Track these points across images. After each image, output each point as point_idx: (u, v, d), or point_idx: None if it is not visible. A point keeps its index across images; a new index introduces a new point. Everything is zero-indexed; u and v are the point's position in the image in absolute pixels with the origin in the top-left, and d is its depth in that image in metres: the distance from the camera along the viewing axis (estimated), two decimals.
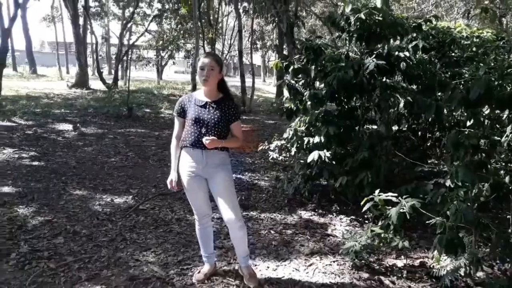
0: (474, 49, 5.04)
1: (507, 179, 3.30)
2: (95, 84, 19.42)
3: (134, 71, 19.55)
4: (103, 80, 15.37)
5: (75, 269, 3.22)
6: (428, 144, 5.43)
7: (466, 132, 2.95)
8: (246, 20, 15.83)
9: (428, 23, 5.07)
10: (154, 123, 11.18)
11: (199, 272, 3.18)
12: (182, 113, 2.94)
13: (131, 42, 18.65)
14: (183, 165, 2.94)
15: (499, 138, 3.11)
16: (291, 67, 4.86)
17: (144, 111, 12.85)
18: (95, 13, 21.65)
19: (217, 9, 16.88)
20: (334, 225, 4.39)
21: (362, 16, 4.44)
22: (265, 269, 3.37)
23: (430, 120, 5.00)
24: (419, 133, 5.41)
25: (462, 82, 3.37)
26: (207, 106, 2.87)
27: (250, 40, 15.75)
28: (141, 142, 8.52)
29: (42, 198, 4.77)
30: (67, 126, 9.60)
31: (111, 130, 9.56)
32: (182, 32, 17.67)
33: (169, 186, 2.99)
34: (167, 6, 16.70)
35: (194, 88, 13.85)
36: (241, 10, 15.05)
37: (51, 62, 41.40)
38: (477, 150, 2.92)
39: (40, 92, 16.03)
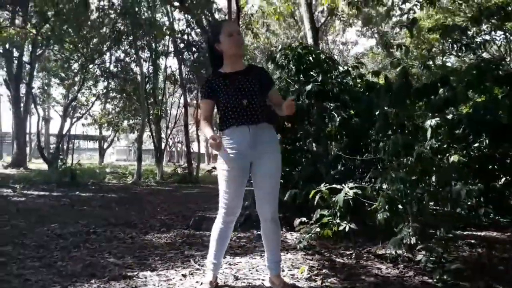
0: None
1: None
2: (33, 166, 18.83)
3: (76, 159, 19.19)
4: (43, 156, 14.97)
5: (27, 261, 3.14)
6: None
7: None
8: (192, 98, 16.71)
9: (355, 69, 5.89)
10: (98, 189, 10.94)
11: (201, 284, 2.63)
12: (212, 93, 2.55)
13: (73, 120, 18.67)
14: (225, 147, 2.49)
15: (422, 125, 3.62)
16: None
17: (88, 180, 12.59)
18: (36, 95, 21.68)
19: (162, 89, 17.62)
20: (286, 237, 4.57)
21: (300, 50, 5.12)
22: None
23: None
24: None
25: None
26: (240, 75, 2.57)
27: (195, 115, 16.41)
28: (86, 199, 8.33)
29: None
30: (5, 190, 9.19)
31: (53, 193, 9.26)
32: (126, 111, 18.10)
33: (210, 141, 2.31)
34: (112, 84, 17.21)
35: (140, 158, 13.84)
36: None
37: None
38: (403, 129, 3.40)
39: None
